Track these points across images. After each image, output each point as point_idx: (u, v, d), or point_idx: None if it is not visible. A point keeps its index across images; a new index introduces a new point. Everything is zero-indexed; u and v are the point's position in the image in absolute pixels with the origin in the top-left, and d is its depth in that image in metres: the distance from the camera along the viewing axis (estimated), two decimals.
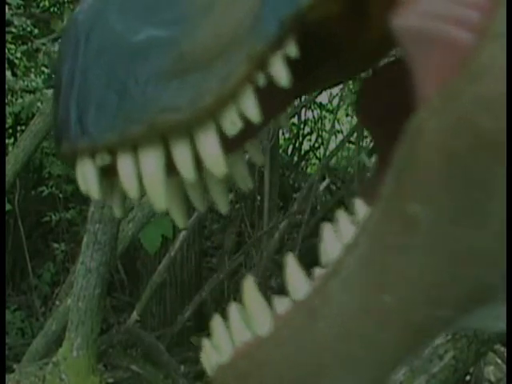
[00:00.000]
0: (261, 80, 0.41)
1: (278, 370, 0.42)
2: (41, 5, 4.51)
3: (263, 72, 0.41)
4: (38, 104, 3.44)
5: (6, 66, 3.61)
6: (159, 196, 0.42)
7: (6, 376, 1.93)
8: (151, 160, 0.41)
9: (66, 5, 4.24)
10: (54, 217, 3.66)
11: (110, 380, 2.49)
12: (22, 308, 3.49)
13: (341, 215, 0.43)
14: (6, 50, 3.45)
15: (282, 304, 0.43)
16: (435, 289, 0.39)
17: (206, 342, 0.46)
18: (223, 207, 0.49)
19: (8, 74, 3.67)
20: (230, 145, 0.44)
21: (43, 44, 3.45)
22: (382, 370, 0.42)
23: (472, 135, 0.36)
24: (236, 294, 3.51)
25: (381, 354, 0.41)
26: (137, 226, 2.36)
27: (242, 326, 0.44)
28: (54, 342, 2.19)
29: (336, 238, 0.43)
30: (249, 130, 0.44)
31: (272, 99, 0.44)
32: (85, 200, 3.34)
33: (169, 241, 2.98)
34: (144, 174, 0.41)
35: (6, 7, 3.20)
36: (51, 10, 4.53)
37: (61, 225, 3.74)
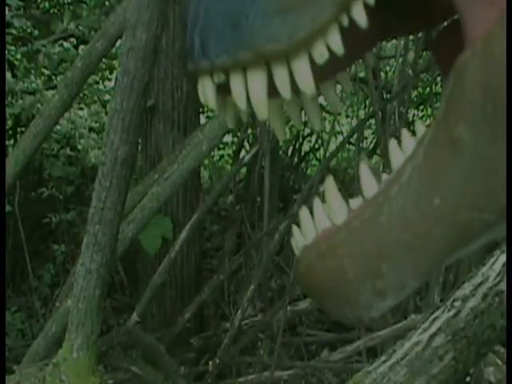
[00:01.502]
0: (345, 21, 0.51)
1: (350, 253, 0.52)
2: (41, 6, 4.51)
3: (347, 15, 0.50)
4: (38, 105, 3.44)
5: (6, 67, 3.61)
6: (262, 108, 0.52)
7: (6, 377, 1.93)
8: (257, 80, 0.52)
9: (66, 6, 4.24)
10: (54, 218, 3.66)
11: (110, 381, 2.49)
12: (22, 309, 3.49)
13: (404, 134, 0.54)
14: (6, 52, 3.44)
15: (356, 202, 0.54)
16: (476, 197, 0.48)
17: (294, 229, 0.56)
18: (316, 125, 0.60)
19: (8, 75, 3.67)
20: (325, 73, 0.56)
21: (43, 45, 3.45)
22: (433, 260, 0.51)
23: (501, 71, 0.45)
24: (236, 296, 3.51)
25: (432, 246, 0.50)
26: (137, 228, 2.36)
27: (323, 217, 0.55)
28: (54, 343, 2.19)
29: (400, 151, 0.53)
30: (339, 64, 0.56)
31: (356, 38, 0.54)
32: (85, 201, 3.34)
33: (169, 242, 2.98)
34: (251, 91, 0.52)
35: (6, 8, 3.20)
36: (51, 11, 4.53)
37: (61, 226, 3.74)
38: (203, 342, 3.20)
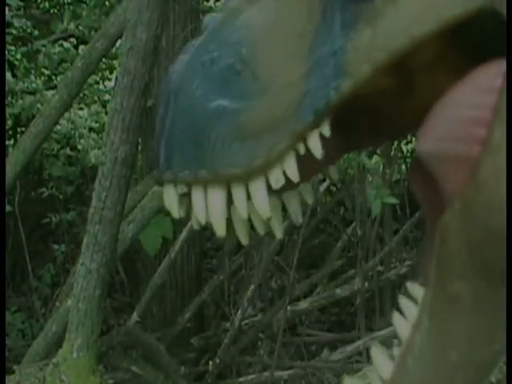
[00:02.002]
0: (301, 150, 0.53)
1: None
2: (41, 6, 4.51)
3: (303, 144, 0.53)
4: (38, 105, 3.44)
5: (6, 67, 3.61)
6: (220, 224, 0.55)
7: (6, 377, 1.93)
8: (216, 197, 0.54)
9: (66, 6, 4.24)
10: (54, 218, 3.66)
11: (111, 381, 2.49)
12: (22, 309, 3.49)
13: (404, 301, 0.56)
14: (6, 52, 3.44)
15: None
16: (486, 336, 0.51)
17: None
18: (278, 233, 0.63)
19: (8, 75, 3.67)
20: (287, 185, 0.56)
21: (43, 45, 3.45)
22: None
23: (483, 230, 0.48)
24: (236, 296, 3.51)
25: None
26: (137, 228, 2.36)
27: None
28: (55, 344, 2.19)
29: (404, 319, 0.55)
30: (301, 178, 0.56)
31: (313, 161, 0.55)
32: (85, 201, 3.33)
33: (169, 242, 2.97)
34: (210, 206, 0.54)
35: (6, 8, 3.20)
36: (51, 11, 4.53)
37: (61, 226, 3.74)
38: (203, 342, 3.20)
